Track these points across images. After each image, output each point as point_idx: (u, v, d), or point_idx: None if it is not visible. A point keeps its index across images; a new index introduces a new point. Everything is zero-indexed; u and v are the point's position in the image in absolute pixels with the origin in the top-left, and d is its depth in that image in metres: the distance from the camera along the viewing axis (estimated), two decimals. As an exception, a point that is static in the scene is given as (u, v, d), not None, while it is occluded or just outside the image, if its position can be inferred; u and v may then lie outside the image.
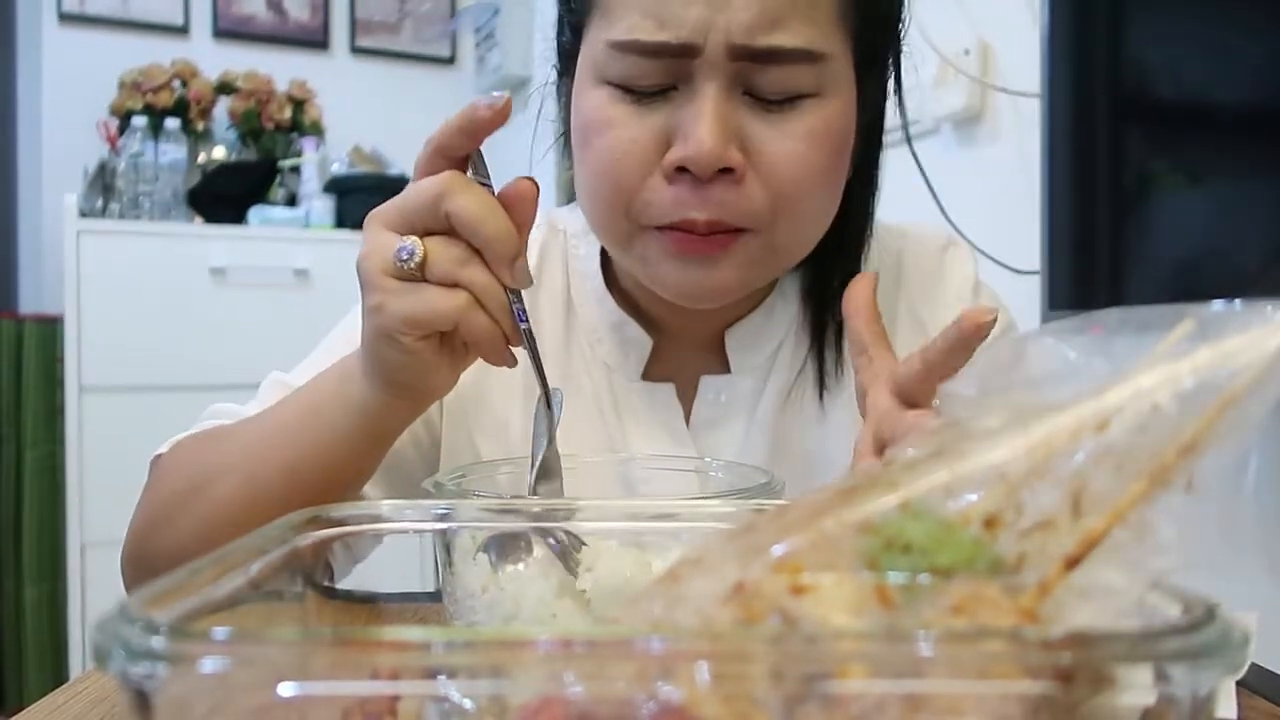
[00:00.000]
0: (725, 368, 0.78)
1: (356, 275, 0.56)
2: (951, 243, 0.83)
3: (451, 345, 0.57)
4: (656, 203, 0.64)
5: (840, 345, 0.77)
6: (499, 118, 0.53)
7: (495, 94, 0.53)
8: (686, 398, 0.77)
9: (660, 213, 0.64)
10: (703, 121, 0.61)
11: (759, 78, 0.63)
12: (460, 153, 0.54)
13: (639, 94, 0.64)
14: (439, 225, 0.53)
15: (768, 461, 0.76)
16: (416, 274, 0.53)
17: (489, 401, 0.77)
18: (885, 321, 0.79)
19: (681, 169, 0.63)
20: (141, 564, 0.68)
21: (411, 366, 0.56)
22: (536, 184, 0.54)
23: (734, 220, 0.64)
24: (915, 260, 0.81)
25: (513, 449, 0.74)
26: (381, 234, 0.54)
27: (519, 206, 0.54)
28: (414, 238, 0.53)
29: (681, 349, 0.78)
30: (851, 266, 0.76)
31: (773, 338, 0.78)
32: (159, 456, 0.71)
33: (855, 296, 0.58)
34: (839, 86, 0.65)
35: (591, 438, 0.76)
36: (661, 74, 0.63)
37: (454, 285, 0.53)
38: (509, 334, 0.55)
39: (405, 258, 0.53)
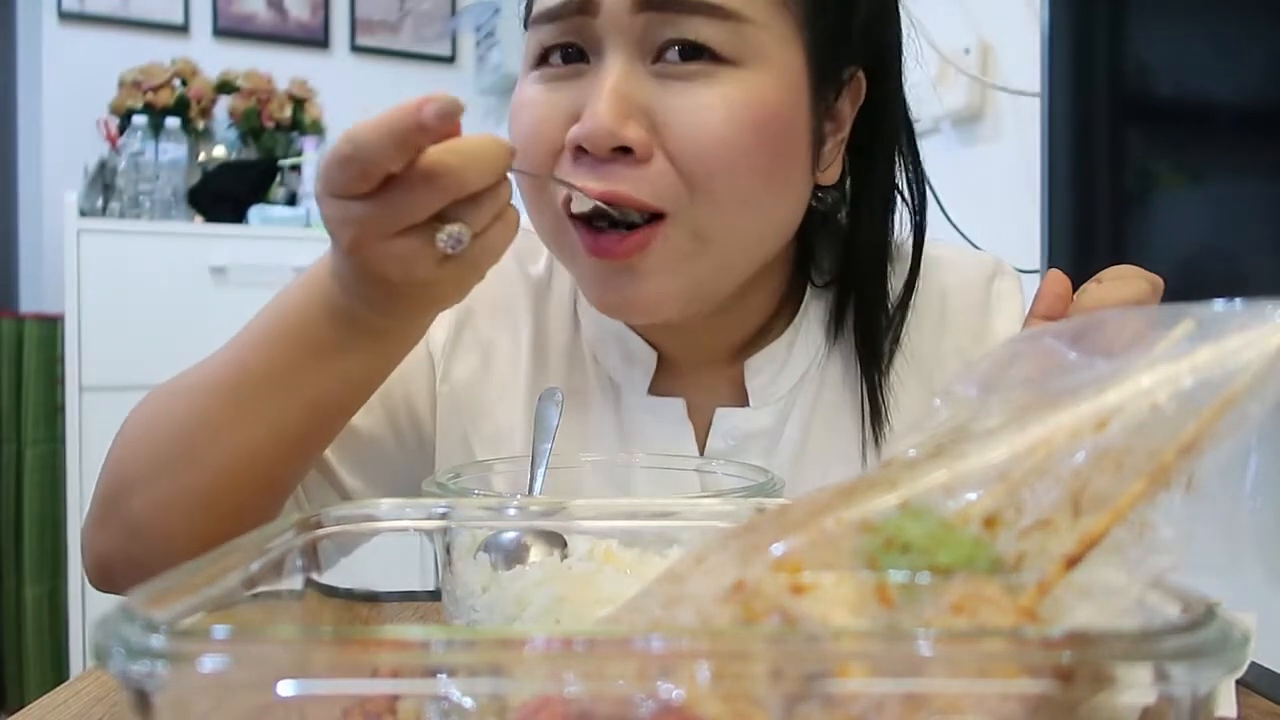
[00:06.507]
0: (742, 395, 0.73)
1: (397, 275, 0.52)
2: (999, 272, 0.76)
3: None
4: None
5: (883, 379, 0.72)
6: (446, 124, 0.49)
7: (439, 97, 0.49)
8: (701, 414, 0.72)
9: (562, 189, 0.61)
10: (599, 95, 0.58)
11: (666, 35, 0.59)
12: (387, 168, 0.49)
13: (555, 74, 0.62)
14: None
15: None
16: (467, 241, 0.51)
17: (487, 407, 0.74)
18: (930, 366, 0.73)
19: (582, 148, 0.59)
20: (112, 526, 0.62)
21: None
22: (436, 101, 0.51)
23: (634, 193, 0.59)
24: (960, 298, 0.74)
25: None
26: (397, 245, 0.51)
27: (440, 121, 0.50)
28: (448, 227, 0.50)
29: (689, 365, 0.73)
30: (877, 291, 0.71)
31: (793, 372, 0.72)
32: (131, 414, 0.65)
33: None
34: (766, 61, 0.60)
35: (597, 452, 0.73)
36: (571, 38, 0.61)
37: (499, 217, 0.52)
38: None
39: (454, 245, 0.50)
